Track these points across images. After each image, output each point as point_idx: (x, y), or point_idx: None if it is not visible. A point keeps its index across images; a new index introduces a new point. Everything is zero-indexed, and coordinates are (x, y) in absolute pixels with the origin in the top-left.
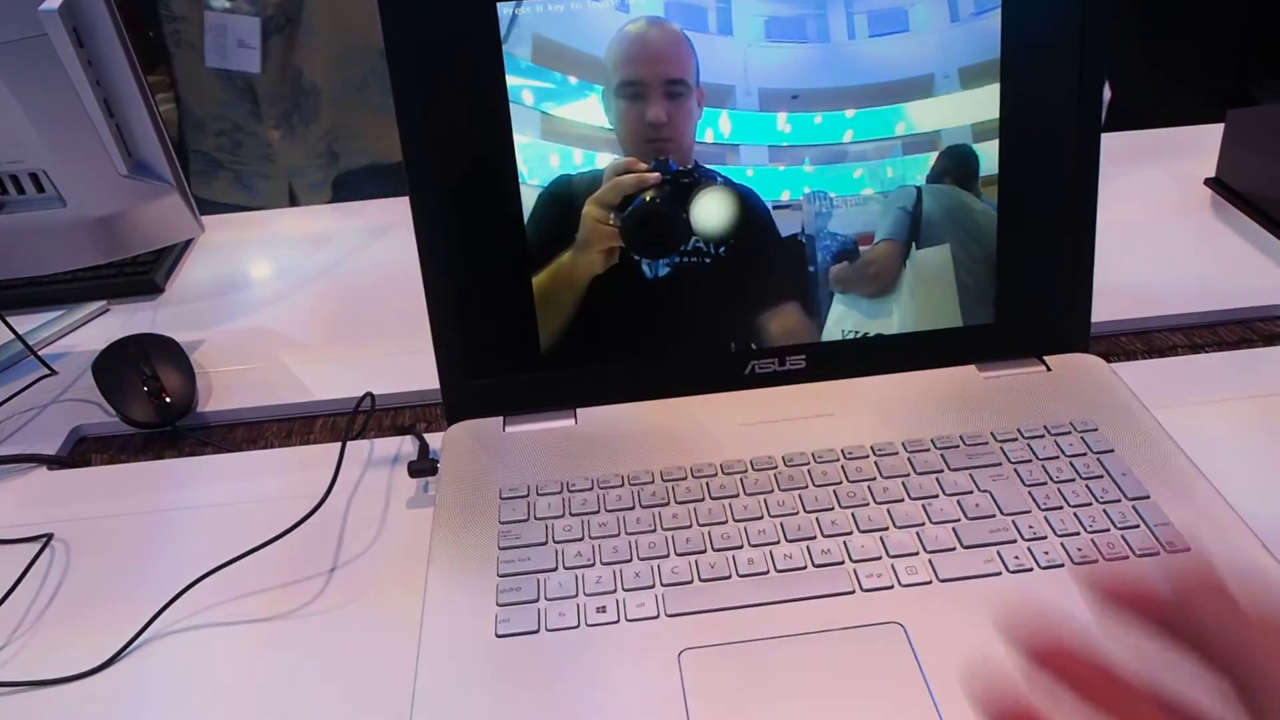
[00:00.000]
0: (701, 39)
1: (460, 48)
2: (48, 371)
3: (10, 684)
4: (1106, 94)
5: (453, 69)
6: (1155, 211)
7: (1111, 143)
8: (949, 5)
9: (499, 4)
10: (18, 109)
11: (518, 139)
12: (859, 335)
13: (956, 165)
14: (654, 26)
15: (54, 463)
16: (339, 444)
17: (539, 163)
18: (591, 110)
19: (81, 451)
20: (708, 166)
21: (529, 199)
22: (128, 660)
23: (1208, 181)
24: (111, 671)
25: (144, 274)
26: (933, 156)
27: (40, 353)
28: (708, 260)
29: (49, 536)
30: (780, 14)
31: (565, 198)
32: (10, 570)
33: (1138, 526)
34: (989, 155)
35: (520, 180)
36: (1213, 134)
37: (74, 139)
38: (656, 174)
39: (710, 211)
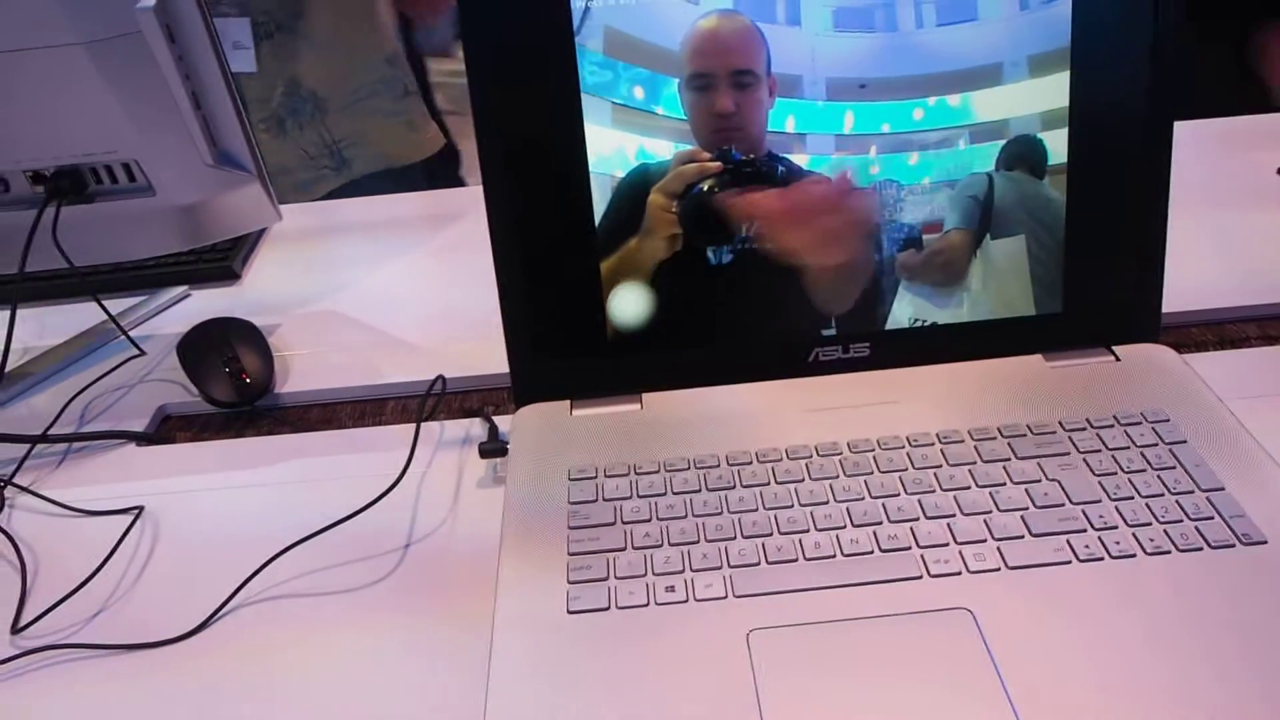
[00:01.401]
0: (770, 29)
1: (534, 40)
2: (136, 352)
3: (106, 646)
4: None
5: (527, 61)
6: (1226, 201)
7: (1181, 131)
8: None
9: None
10: (114, 102)
11: (589, 130)
12: (924, 324)
13: (1025, 153)
14: (723, 19)
15: (142, 439)
16: (411, 425)
17: (610, 153)
18: (663, 100)
19: (167, 429)
20: (778, 155)
21: (599, 189)
22: (215, 628)
23: None
24: (200, 638)
25: (222, 261)
26: (1000, 145)
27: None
28: (770, 245)
29: (140, 509)
30: (848, 4)
31: (640, 187)
32: (105, 539)
33: (1212, 518)
34: (1058, 144)
35: (590, 170)
36: None
37: (164, 131)
38: (718, 163)
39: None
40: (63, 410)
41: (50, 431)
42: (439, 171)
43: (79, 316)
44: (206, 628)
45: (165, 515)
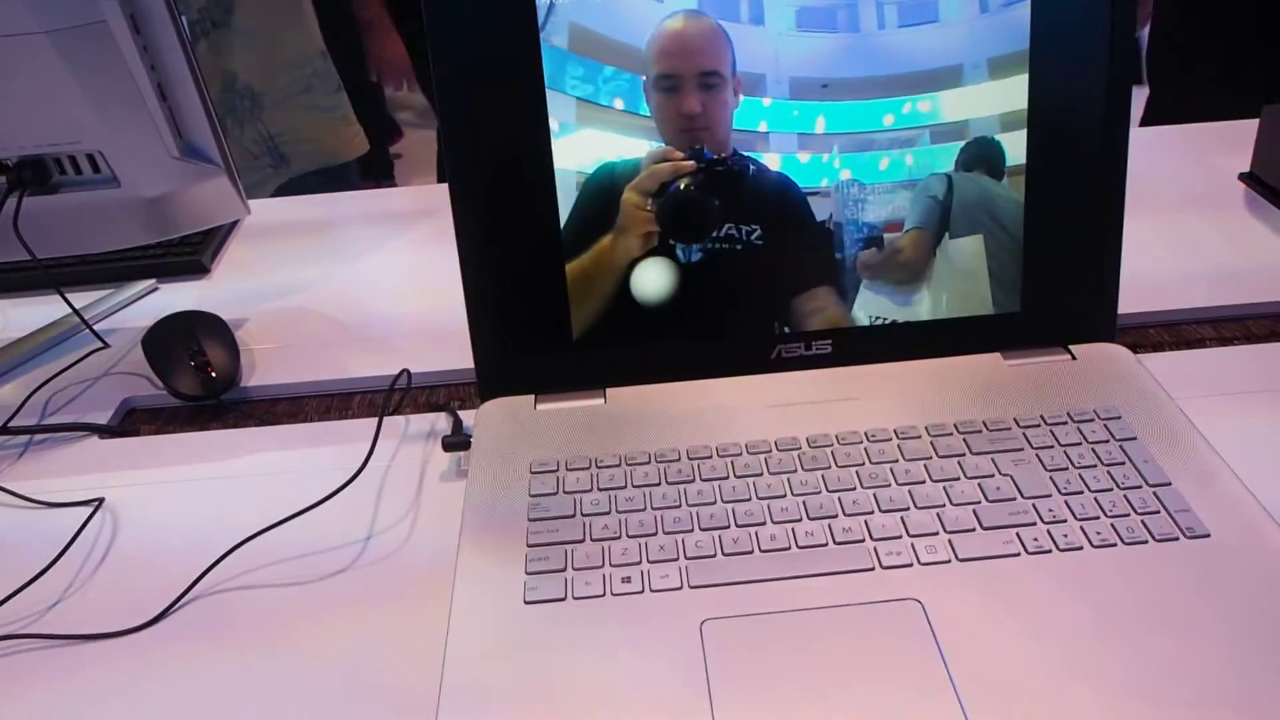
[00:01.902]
0: (734, 28)
1: (499, 35)
2: (101, 345)
3: (62, 636)
4: (1145, 91)
5: (491, 56)
6: (1189, 205)
7: (1148, 137)
8: None
9: None
10: (78, 92)
11: (554, 126)
12: (885, 321)
13: (984, 154)
14: (689, 20)
15: (105, 432)
16: (376, 419)
17: (575, 150)
18: (628, 98)
19: (131, 422)
20: (745, 154)
21: (565, 186)
22: (173, 618)
23: (1242, 176)
24: (157, 629)
25: (191, 254)
26: (960, 145)
27: (92, 326)
28: (739, 246)
29: (100, 501)
30: (811, 4)
31: (608, 185)
32: (64, 532)
33: (1158, 512)
34: (1017, 145)
35: (555, 167)
36: (1250, 129)
37: (129, 122)
38: (691, 162)
39: (748, 198)
40: (24, 402)
41: (11, 423)
42: (371, 170)
43: (45, 309)
44: (164, 618)
45: (126, 507)
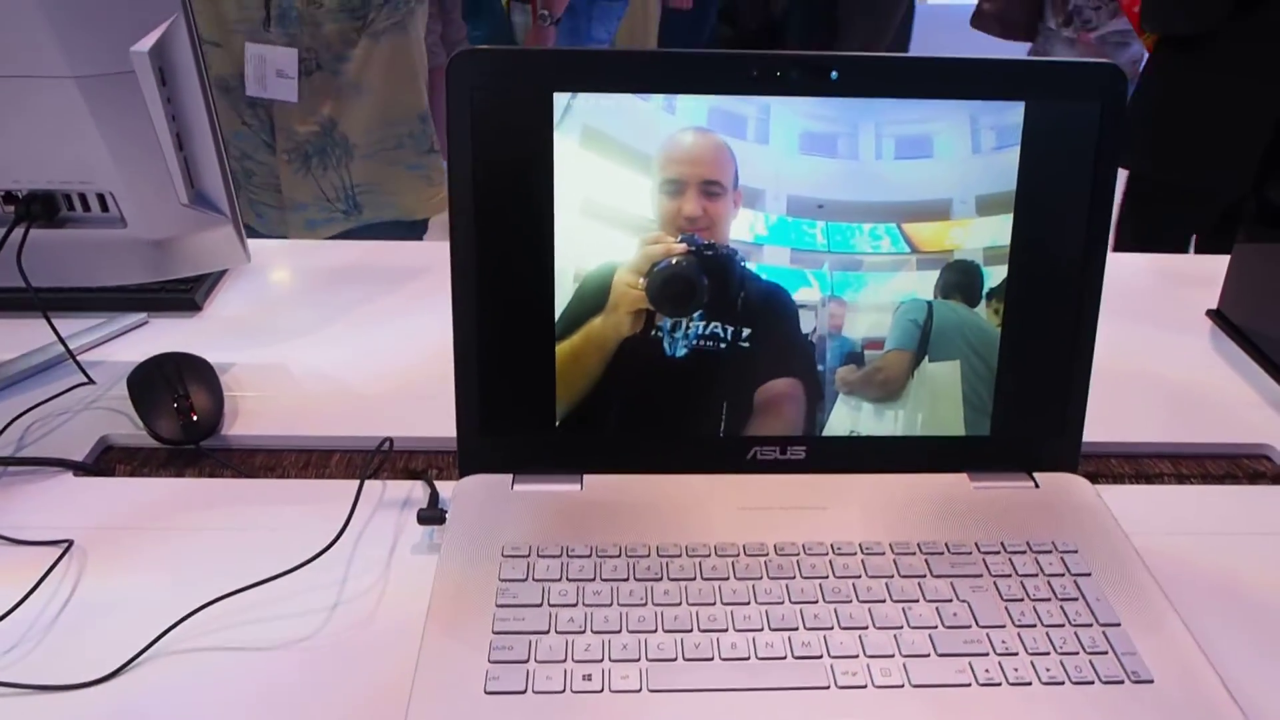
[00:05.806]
0: (740, 145)
1: (515, 128)
2: (85, 380)
3: (16, 685)
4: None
5: (506, 146)
6: (1156, 337)
7: (1121, 265)
8: (972, 137)
9: (555, 92)
10: (97, 135)
11: (559, 218)
12: (859, 434)
13: (960, 282)
14: (699, 135)
15: (80, 469)
16: (353, 481)
17: (577, 243)
18: (630, 198)
19: (107, 460)
20: (740, 257)
21: (563, 276)
22: (131, 674)
23: (1209, 313)
24: (115, 684)
25: (185, 292)
26: (942, 273)
27: (78, 358)
28: (723, 345)
29: (69, 543)
30: (815, 130)
31: (605, 278)
32: (29, 572)
33: (1106, 653)
34: (997, 278)
35: (555, 255)
36: (1221, 265)
37: (144, 167)
38: (683, 245)
39: (734, 293)
40: (1, 432)
41: None
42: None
43: (29, 332)
44: (120, 675)
45: (95, 551)
